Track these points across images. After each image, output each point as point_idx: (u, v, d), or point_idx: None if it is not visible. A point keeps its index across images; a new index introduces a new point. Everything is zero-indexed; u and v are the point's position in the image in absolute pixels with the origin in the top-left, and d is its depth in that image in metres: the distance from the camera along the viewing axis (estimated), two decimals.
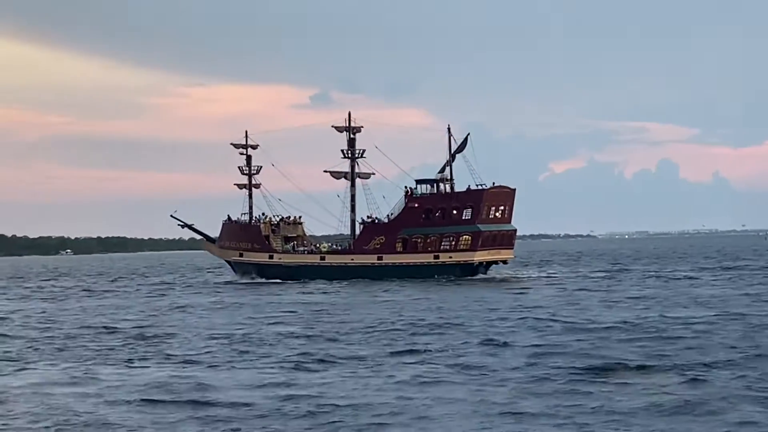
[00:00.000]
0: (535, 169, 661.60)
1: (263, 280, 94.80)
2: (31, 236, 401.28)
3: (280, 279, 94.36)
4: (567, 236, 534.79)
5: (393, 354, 33.04)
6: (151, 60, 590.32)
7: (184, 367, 30.96)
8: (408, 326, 42.75)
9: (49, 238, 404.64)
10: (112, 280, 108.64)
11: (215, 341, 38.64)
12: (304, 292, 74.83)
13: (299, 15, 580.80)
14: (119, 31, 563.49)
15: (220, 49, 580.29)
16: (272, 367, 30.50)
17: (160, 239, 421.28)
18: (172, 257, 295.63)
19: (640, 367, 28.29)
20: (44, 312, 59.63)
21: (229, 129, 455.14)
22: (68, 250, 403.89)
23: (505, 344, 34.74)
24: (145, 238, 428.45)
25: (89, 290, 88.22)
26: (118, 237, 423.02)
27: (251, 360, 32.59)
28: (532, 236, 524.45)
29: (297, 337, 39.80)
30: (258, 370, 29.84)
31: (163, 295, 76.90)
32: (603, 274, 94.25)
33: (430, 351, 33.43)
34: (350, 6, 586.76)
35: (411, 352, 33.49)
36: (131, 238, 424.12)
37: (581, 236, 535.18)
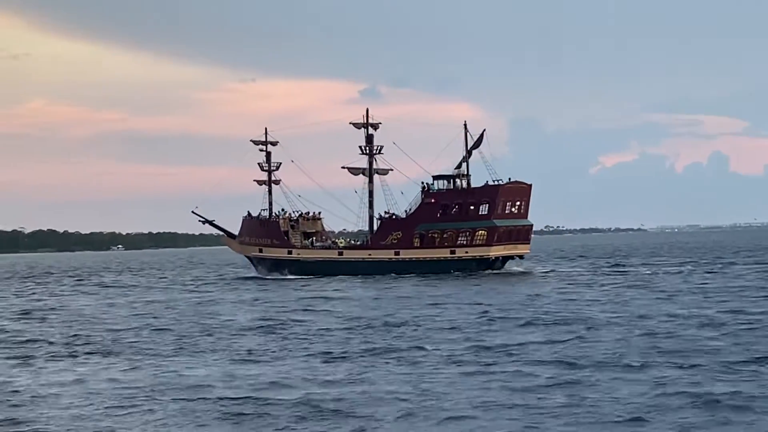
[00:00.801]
0: (585, 162, 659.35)
1: (291, 276, 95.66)
2: (83, 232, 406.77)
3: (298, 275, 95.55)
4: (618, 230, 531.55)
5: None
6: (203, 56, 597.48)
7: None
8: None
9: (101, 233, 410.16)
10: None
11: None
12: (345, 288, 74.55)
13: (350, 10, 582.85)
14: (171, 27, 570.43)
15: (271, 45, 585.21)
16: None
17: (211, 234, 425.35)
18: (223, 253, 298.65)
19: None
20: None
21: (279, 124, 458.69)
22: (119, 246, 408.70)
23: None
24: (196, 233, 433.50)
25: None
26: (169, 232, 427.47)
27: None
28: (582, 230, 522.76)
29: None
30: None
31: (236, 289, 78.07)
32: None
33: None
34: (400, 0, 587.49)
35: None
36: (182, 234, 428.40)
37: (632, 230, 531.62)
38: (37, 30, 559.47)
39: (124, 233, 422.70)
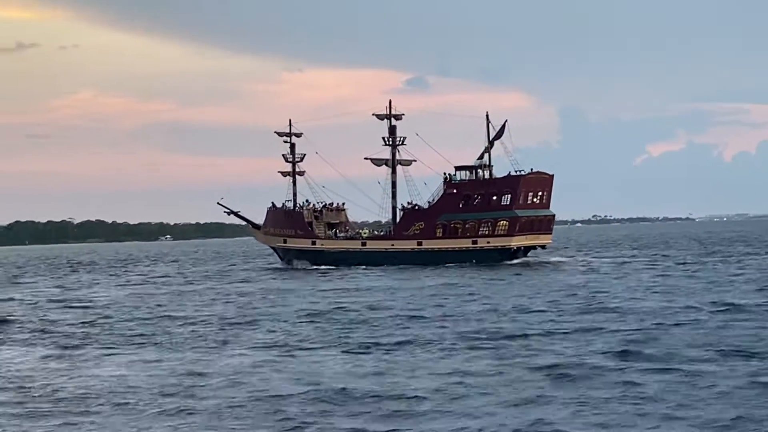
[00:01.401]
0: (631, 151, 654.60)
1: (314, 267, 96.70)
2: (131, 222, 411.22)
3: (322, 265, 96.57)
4: (665, 219, 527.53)
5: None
6: (251, 47, 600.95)
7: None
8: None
9: (149, 224, 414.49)
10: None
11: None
12: (400, 278, 74.46)
13: None
14: (219, 18, 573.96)
15: (319, 35, 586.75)
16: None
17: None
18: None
19: None
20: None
21: (326, 114, 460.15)
22: (168, 236, 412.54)
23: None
24: (243, 223, 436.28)
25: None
26: (216, 223, 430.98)
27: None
28: (630, 220, 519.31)
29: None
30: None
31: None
32: None
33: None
34: None
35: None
36: (229, 224, 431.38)
37: (680, 219, 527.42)
38: (85, 21, 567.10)
39: (172, 223, 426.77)
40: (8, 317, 48.00)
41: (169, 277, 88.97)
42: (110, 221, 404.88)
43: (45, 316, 49.26)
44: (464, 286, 62.13)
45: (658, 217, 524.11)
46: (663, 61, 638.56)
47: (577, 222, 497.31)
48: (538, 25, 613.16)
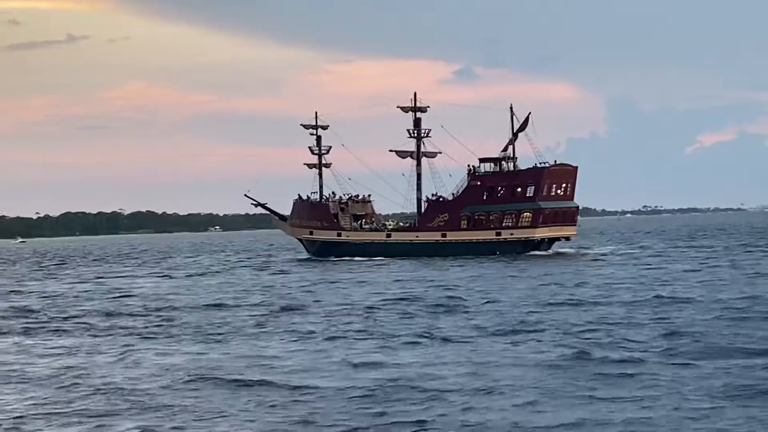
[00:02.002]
0: (682, 141, 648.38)
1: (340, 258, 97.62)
2: (180, 213, 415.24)
3: (347, 256, 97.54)
4: (717, 210, 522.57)
5: None
6: (298, 37, 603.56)
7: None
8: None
9: (198, 215, 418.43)
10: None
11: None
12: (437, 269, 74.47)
13: None
14: (267, 9, 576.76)
15: (366, 26, 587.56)
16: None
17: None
18: None
19: None
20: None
21: (371, 105, 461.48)
22: (217, 227, 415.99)
23: None
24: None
25: None
26: (265, 214, 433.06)
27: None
28: (681, 210, 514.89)
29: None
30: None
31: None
32: None
33: None
34: None
35: None
36: None
37: (731, 209, 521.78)
38: (134, 13, 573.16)
39: (221, 214, 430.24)
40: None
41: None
42: (160, 212, 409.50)
43: (76, 306, 50.09)
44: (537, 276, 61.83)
45: (709, 208, 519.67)
46: (715, 50, 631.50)
47: (627, 212, 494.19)
48: (586, 15, 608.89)
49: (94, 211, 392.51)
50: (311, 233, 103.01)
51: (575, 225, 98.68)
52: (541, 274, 62.81)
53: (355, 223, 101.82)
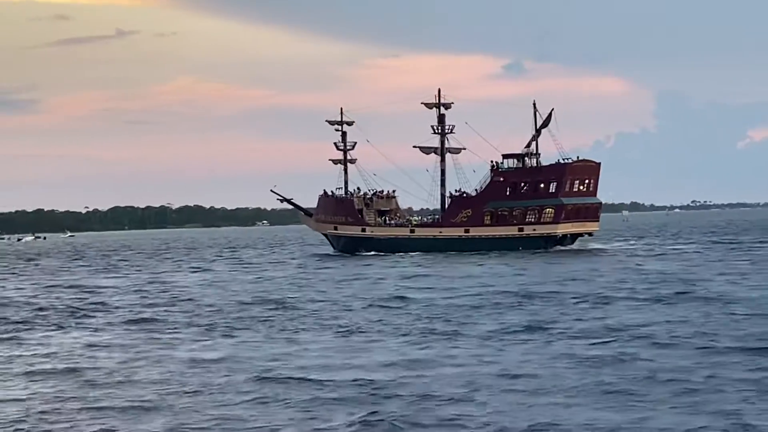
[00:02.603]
0: (732, 136, 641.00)
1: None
2: (228, 208, 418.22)
3: (372, 251, 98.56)
4: (766, 205, 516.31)
5: None
6: (346, 32, 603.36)
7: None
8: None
9: (246, 209, 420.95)
10: None
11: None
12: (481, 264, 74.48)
13: None
14: (314, 3, 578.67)
15: (415, 21, 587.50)
16: None
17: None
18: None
19: None
20: None
21: (420, 100, 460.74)
22: (264, 221, 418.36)
23: None
24: None
25: None
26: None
27: None
28: (730, 205, 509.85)
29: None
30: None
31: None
32: None
33: None
34: None
35: None
36: None
37: None
38: (184, 8, 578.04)
39: (269, 209, 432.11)
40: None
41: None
42: (208, 206, 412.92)
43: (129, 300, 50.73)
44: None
45: (759, 203, 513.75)
46: (763, 46, 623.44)
47: (676, 208, 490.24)
48: (636, 9, 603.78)
49: (143, 206, 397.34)
50: (336, 228, 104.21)
51: (598, 221, 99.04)
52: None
53: (379, 219, 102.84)
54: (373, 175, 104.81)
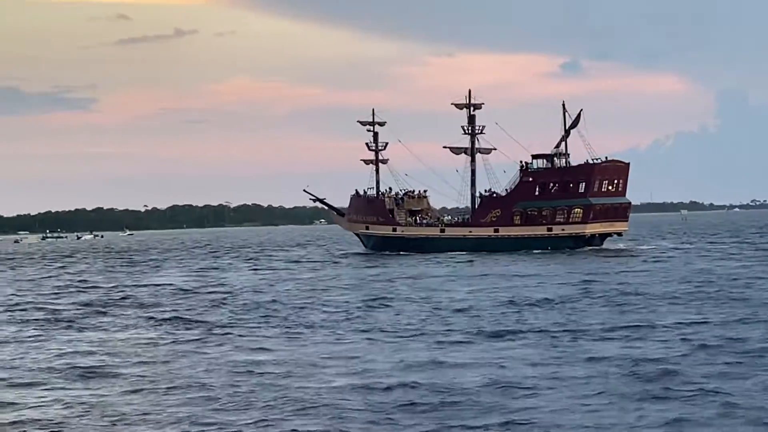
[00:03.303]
0: None
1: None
2: (286, 206, 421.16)
3: (402, 250, 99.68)
4: None
5: None
6: (401, 30, 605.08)
7: None
8: None
9: (304, 208, 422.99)
10: None
11: None
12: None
13: None
14: (370, 3, 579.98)
15: (469, 19, 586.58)
16: None
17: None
18: None
19: None
20: None
21: (473, 98, 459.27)
22: (322, 220, 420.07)
23: None
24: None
25: None
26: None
27: None
28: None
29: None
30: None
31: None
32: None
33: None
34: None
35: None
36: None
37: None
38: (242, 8, 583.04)
39: (326, 207, 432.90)
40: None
41: None
42: (266, 205, 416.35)
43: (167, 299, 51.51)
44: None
45: None
46: None
47: (735, 207, 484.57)
48: (695, 6, 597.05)
49: (201, 204, 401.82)
50: (367, 228, 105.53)
51: (627, 220, 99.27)
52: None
53: (410, 218, 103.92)
54: (405, 175, 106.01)
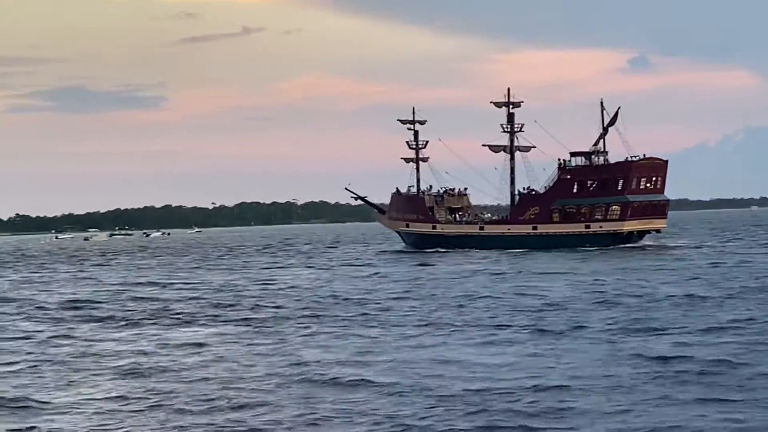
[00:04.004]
0: None
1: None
2: (353, 203, 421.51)
3: (441, 248, 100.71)
4: None
5: None
6: (466, 27, 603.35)
7: None
8: None
9: None
10: None
11: None
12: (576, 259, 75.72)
13: None
14: (437, 0, 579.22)
15: (534, 15, 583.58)
16: None
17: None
18: None
19: None
20: None
21: (542, 95, 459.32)
22: None
23: None
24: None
25: None
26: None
27: None
28: None
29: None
30: None
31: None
32: None
33: None
34: None
35: None
36: None
37: None
38: (309, 5, 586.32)
39: None
40: None
41: None
42: (333, 202, 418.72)
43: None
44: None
45: None
46: None
47: None
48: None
49: (268, 201, 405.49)
50: (407, 226, 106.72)
51: (665, 217, 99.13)
52: None
53: (449, 216, 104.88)
54: (446, 173, 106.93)
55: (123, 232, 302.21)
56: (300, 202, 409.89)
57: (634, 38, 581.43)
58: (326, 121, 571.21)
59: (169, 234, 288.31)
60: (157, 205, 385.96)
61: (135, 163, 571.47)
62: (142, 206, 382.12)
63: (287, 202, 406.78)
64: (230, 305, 46.40)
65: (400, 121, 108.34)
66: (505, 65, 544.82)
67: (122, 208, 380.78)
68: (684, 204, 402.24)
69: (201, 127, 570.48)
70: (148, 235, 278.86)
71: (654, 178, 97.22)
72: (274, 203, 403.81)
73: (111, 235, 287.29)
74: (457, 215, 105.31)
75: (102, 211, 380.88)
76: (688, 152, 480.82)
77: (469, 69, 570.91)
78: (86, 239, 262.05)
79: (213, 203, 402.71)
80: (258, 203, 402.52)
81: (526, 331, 33.35)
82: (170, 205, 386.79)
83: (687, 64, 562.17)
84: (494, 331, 33.44)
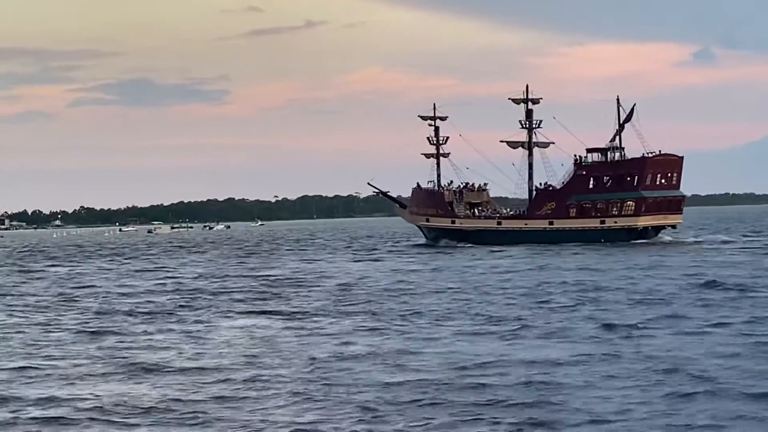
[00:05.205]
0: None
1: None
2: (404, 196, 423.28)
3: (460, 242, 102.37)
4: None
5: None
6: (531, 21, 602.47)
7: None
8: None
9: None
10: None
11: None
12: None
13: None
14: None
15: (600, 8, 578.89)
16: None
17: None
18: None
19: None
20: None
21: (605, 89, 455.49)
22: None
23: None
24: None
25: None
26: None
27: None
28: None
29: None
30: None
31: None
32: None
33: None
34: None
35: None
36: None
37: None
38: None
39: None
40: None
41: None
42: (395, 195, 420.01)
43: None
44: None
45: None
46: None
47: None
48: None
49: (331, 195, 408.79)
50: (428, 220, 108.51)
51: (681, 213, 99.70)
52: None
53: (468, 211, 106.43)
54: (467, 169, 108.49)
55: (185, 225, 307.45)
56: (362, 196, 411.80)
57: (697, 32, 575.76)
58: (388, 113, 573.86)
59: (228, 227, 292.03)
60: (220, 198, 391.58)
61: (198, 156, 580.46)
62: (204, 199, 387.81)
63: (349, 195, 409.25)
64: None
65: (421, 117, 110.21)
66: (572, 59, 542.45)
67: (185, 201, 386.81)
68: (752, 198, 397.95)
69: (264, 120, 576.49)
70: (210, 228, 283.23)
71: (669, 174, 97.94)
72: (336, 196, 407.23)
73: (172, 227, 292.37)
74: (476, 210, 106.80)
75: (165, 203, 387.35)
76: (755, 145, 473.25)
77: (533, 62, 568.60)
78: (149, 231, 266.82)
79: (275, 196, 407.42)
80: (320, 196, 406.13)
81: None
82: (233, 198, 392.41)
83: (752, 58, 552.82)
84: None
